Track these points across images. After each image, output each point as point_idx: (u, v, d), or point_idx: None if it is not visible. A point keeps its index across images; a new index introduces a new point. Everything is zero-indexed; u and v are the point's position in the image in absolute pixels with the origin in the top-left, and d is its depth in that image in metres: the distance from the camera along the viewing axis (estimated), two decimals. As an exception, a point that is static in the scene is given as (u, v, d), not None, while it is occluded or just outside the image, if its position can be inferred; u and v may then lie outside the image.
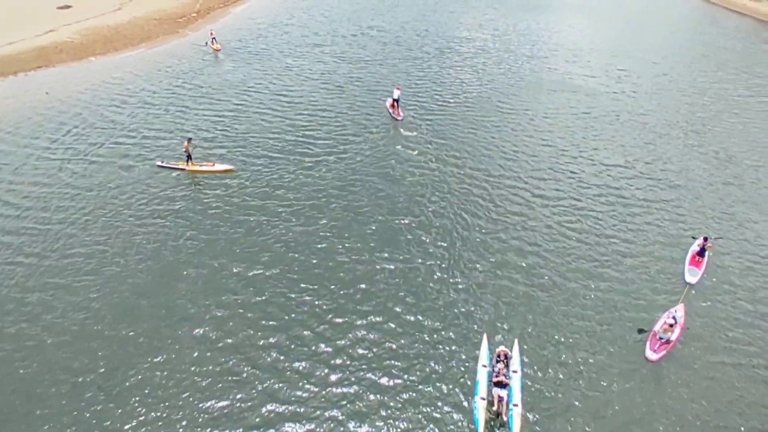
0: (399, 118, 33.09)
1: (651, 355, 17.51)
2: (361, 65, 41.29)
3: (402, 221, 23.31)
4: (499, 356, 16.19)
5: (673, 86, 39.79)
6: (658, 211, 24.84)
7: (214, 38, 44.23)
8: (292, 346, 17.29)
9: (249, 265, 20.52)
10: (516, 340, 17.57)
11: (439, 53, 44.04)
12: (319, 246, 21.67)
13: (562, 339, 18.06)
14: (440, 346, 17.59)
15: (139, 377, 16.16)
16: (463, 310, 18.99)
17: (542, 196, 25.57)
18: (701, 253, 21.89)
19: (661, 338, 17.72)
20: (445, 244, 22.13)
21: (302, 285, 19.72)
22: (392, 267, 20.71)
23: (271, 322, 18.15)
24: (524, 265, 21.18)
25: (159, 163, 27.38)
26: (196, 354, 16.99)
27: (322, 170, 26.92)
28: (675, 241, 22.90)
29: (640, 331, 17.93)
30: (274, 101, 34.80)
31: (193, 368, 16.54)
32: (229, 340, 17.44)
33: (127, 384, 15.98)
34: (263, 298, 19.13)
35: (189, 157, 26.80)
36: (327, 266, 20.68)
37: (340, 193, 25.10)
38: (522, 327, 18.47)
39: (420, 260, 21.16)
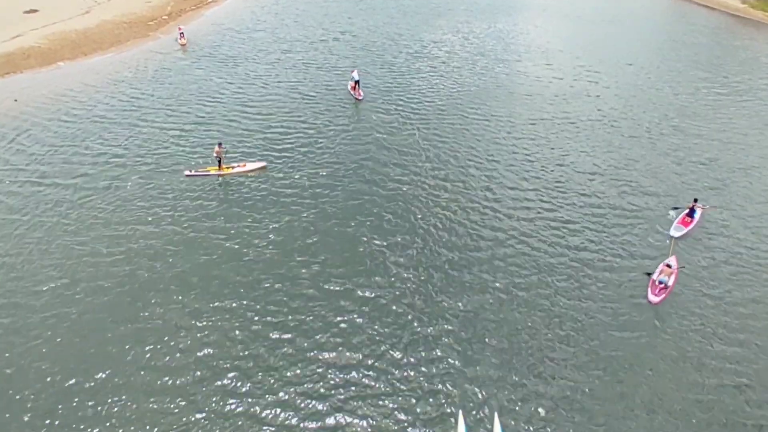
0: (359, 98, 35.85)
1: (653, 299, 19.81)
2: (329, 70, 41.38)
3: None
4: None
5: (645, 85, 40.41)
6: (634, 216, 24.96)
7: (182, 33, 45.33)
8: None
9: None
10: (496, 416, 15.43)
11: (412, 58, 44.13)
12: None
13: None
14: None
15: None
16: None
17: (506, 193, 26.04)
18: (691, 214, 24.15)
19: (661, 282, 20.12)
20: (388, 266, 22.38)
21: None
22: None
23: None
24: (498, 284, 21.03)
25: (187, 172, 26.93)
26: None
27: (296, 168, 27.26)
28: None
29: (647, 273, 20.85)
30: (244, 103, 34.90)
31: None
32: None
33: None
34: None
35: (220, 161, 26.85)
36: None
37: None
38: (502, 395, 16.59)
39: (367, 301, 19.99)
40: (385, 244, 22.46)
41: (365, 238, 22.74)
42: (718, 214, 25.03)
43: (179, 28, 46.35)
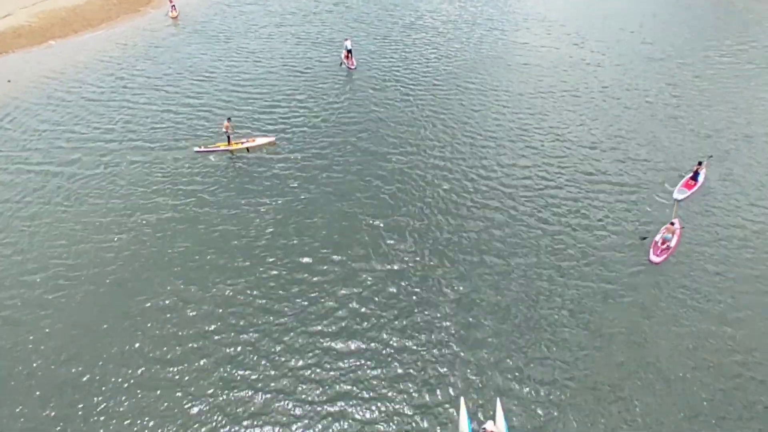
0: (352, 67, 35.61)
1: (654, 258, 20.16)
2: (323, 44, 40.62)
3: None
4: None
5: (646, 53, 39.52)
6: (634, 188, 24.72)
7: (173, 6, 44.74)
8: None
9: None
10: (498, 401, 15.21)
11: (407, 29, 43.11)
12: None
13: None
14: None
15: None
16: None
17: (505, 161, 25.82)
18: (694, 177, 24.26)
19: (665, 239, 20.52)
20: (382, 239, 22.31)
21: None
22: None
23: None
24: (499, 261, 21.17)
25: (197, 149, 26.87)
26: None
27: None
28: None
29: (642, 238, 21.06)
30: (237, 79, 34.43)
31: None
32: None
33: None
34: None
35: (228, 136, 26.70)
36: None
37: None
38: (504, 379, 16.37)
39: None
40: (382, 224, 22.31)
41: (363, 217, 22.61)
42: (720, 184, 24.79)
43: (170, 0, 45.56)
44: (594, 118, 30.41)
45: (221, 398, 15.64)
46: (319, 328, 17.77)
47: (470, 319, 18.14)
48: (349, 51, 35.94)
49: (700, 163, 24.76)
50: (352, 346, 17.19)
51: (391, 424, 15.06)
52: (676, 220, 21.45)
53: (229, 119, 27.23)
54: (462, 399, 15.07)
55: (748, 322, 18.09)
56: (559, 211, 23.08)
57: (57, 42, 40.21)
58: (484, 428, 13.88)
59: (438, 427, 14.98)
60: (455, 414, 15.04)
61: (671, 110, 31.38)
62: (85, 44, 39.78)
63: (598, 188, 24.52)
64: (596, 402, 15.66)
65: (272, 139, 27.61)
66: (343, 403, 15.54)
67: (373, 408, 15.43)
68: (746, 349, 17.19)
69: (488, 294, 19.10)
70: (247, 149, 26.89)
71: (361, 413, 15.31)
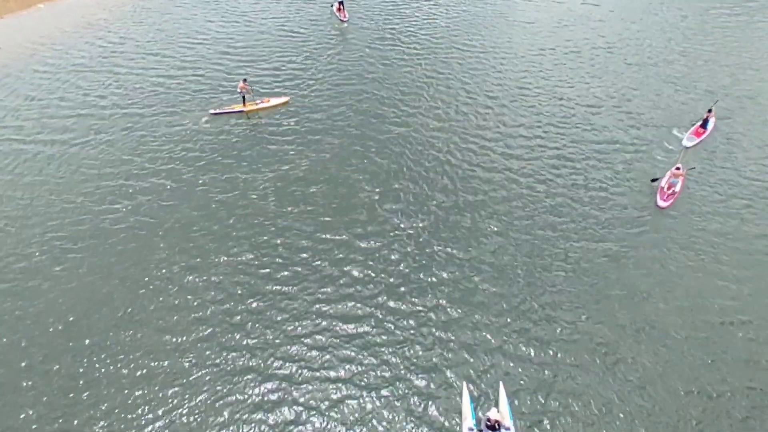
0: (344, 20, 35.18)
1: (661, 203, 20.56)
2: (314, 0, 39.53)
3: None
4: (490, 424, 13.20)
5: (650, 8, 38.22)
6: (636, 148, 24.21)
7: None
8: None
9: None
10: (501, 385, 14.55)
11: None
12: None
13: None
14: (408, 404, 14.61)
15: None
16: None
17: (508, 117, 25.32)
18: (704, 125, 24.32)
19: (671, 183, 20.90)
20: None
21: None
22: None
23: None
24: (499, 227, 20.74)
25: (213, 111, 26.50)
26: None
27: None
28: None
29: (653, 180, 21.38)
30: (228, 41, 33.59)
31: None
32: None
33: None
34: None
35: (244, 98, 26.29)
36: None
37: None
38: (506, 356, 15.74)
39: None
40: (380, 189, 21.80)
41: (361, 183, 22.14)
42: (725, 142, 24.26)
43: None
44: (595, 76, 29.59)
45: (223, 364, 15.55)
46: (319, 296, 17.44)
47: (471, 284, 17.76)
48: (341, 2, 35.17)
49: (709, 111, 24.70)
50: (355, 315, 16.78)
51: (394, 386, 14.96)
52: (680, 165, 21.53)
53: (245, 80, 26.48)
54: (465, 383, 14.56)
55: (751, 270, 18.13)
56: (558, 171, 22.61)
57: (45, 5, 39.28)
58: (488, 417, 13.13)
59: (441, 408, 14.42)
60: (458, 400, 14.44)
61: (676, 67, 30.43)
62: (72, 7, 38.85)
63: (599, 148, 23.97)
64: (601, 371, 15.54)
65: (287, 99, 27.08)
66: (347, 377, 15.19)
67: (371, 392, 14.87)
68: (747, 305, 17.10)
69: (493, 255, 18.74)
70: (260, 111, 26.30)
71: (361, 396, 14.84)
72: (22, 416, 14.38)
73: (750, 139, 24.43)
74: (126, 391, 14.91)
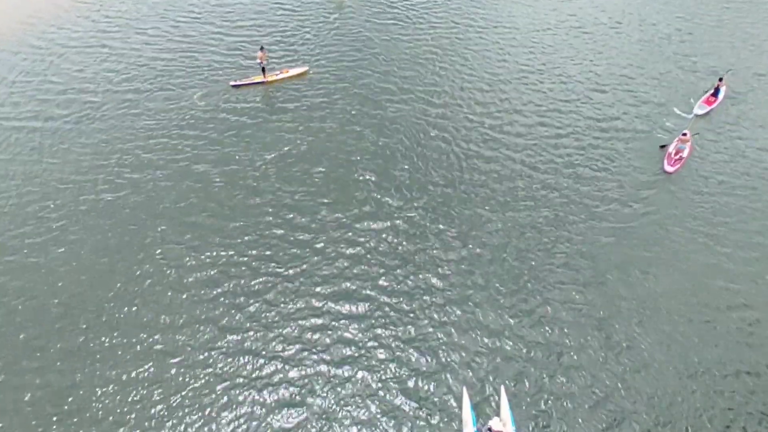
0: None
1: (668, 168, 20.80)
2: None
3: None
4: None
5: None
6: (636, 129, 23.89)
7: None
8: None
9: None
10: (503, 389, 14.14)
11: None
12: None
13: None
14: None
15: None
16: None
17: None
18: (715, 93, 24.36)
19: (679, 149, 21.21)
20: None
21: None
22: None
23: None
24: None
25: (233, 82, 25.81)
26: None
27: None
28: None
29: (662, 146, 21.89)
30: (226, 15, 32.67)
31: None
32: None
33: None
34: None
35: (264, 68, 25.44)
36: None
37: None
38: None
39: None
40: (378, 173, 21.33)
41: (359, 167, 21.66)
42: (736, 111, 24.39)
43: None
44: (599, 52, 29.15)
45: (220, 343, 15.54)
46: (314, 285, 17.19)
47: (471, 270, 17.60)
48: None
49: (720, 79, 24.62)
50: (353, 306, 16.62)
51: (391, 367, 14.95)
52: (687, 131, 21.57)
53: (262, 48, 25.57)
54: (465, 388, 14.16)
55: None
56: (558, 152, 22.39)
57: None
58: (490, 426, 12.54)
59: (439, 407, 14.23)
60: (458, 405, 14.06)
61: (681, 45, 29.83)
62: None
63: (602, 126, 23.73)
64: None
65: (306, 68, 26.60)
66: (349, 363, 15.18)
67: (370, 391, 14.63)
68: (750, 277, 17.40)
69: (495, 236, 18.70)
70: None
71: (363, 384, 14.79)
72: (23, 395, 14.40)
73: (760, 108, 24.47)
74: (121, 369, 14.97)
